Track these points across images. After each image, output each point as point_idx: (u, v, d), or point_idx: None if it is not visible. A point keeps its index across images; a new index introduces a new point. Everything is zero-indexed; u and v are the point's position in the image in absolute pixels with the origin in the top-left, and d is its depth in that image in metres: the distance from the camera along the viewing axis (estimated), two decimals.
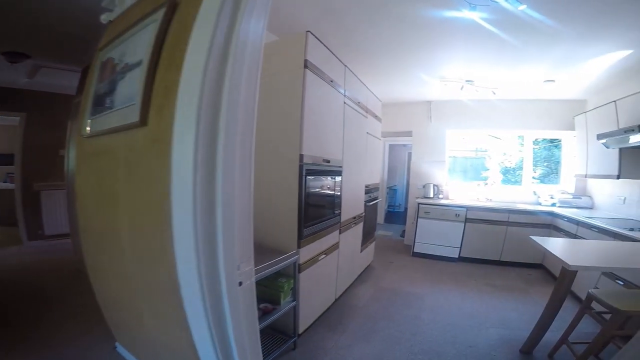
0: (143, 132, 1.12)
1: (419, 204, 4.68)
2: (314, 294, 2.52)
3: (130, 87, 1.35)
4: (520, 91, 4.40)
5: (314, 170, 2.32)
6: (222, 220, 0.85)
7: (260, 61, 1.02)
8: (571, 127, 4.54)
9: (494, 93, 4.26)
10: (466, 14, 2.34)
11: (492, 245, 4.38)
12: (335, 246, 2.79)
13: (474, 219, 4.42)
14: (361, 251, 3.61)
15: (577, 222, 3.47)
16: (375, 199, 3.97)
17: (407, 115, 5.41)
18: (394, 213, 8.56)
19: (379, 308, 3.01)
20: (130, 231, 1.27)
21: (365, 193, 3.53)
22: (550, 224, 4.14)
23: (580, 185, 4.62)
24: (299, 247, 2.20)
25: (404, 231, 5.79)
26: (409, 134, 5.46)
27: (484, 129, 5.14)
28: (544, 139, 5.28)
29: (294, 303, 2.15)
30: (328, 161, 2.49)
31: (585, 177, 4.01)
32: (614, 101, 3.39)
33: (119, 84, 1.54)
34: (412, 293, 3.40)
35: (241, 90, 0.93)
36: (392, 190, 8.77)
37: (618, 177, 3.35)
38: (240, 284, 1.09)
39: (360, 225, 3.45)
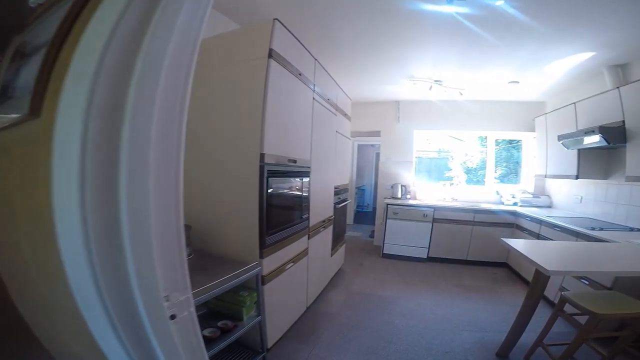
0: (33, 126, 0.83)
1: (387, 204, 4.58)
2: (282, 304, 2.29)
3: (30, 72, 1.04)
4: (486, 92, 4.44)
5: (278, 171, 2.06)
6: (131, 244, 0.59)
7: (195, 50, 0.78)
8: (531, 129, 4.65)
9: (461, 94, 4.27)
10: (444, 7, 2.24)
11: (459, 245, 4.38)
12: (304, 253, 2.56)
13: (441, 219, 4.39)
14: (332, 255, 3.41)
15: (540, 222, 3.51)
16: (345, 200, 3.79)
17: (375, 115, 5.31)
18: (362, 213, 8.50)
19: (353, 314, 2.86)
20: (28, 246, 0.97)
21: (335, 194, 3.34)
22: (513, 223, 4.20)
23: (539, 185, 4.78)
24: (261, 257, 1.94)
25: (373, 231, 5.70)
26: (377, 134, 5.36)
27: (450, 129, 5.16)
28: (503, 140, 5.43)
29: (259, 318, 1.90)
30: (294, 161, 2.25)
31: (545, 177, 4.11)
32: (574, 103, 3.46)
33: (23, 69, 1.22)
34: (385, 297, 3.29)
35: (160, 81, 0.67)
36: (360, 191, 8.71)
37: (577, 178, 3.43)
38: (173, 317, 0.84)
39: (330, 229, 3.25)
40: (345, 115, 3.73)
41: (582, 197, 3.81)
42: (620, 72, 3.15)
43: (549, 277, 1.93)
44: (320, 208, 2.89)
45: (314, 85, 2.63)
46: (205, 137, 2.09)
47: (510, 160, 5.60)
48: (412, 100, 5.07)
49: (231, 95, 2.04)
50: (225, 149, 2.03)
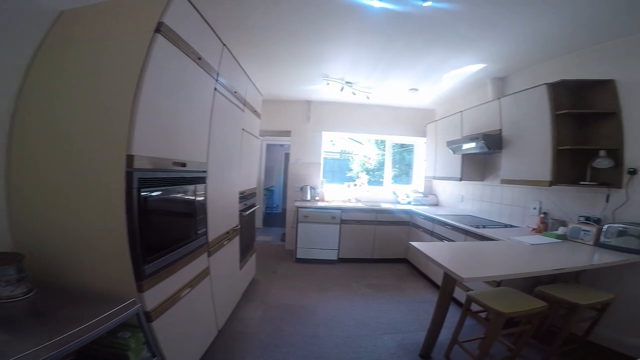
0: None
1: (298, 207, 4.36)
2: (185, 336, 1.79)
3: None
4: (388, 98, 4.59)
5: (158, 179, 1.53)
6: None
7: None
8: (423, 134, 5.06)
9: (368, 97, 4.35)
10: (374, 2, 2.12)
11: (365, 244, 4.43)
12: (204, 273, 2.05)
13: (348, 220, 4.38)
14: (241, 268, 2.97)
15: (433, 220, 3.78)
16: (253, 206, 3.41)
17: (286, 113, 5.01)
18: (272, 215, 8.16)
19: (273, 331, 2.56)
20: None
21: (241, 200, 2.92)
22: (409, 222, 4.46)
23: (428, 185, 5.28)
24: (140, 291, 1.42)
25: (284, 234, 5.44)
26: (287, 133, 5.10)
27: (355, 132, 5.28)
28: (396, 144, 5.87)
29: (157, 359, 1.43)
30: (183, 165, 1.77)
31: (434, 178, 4.52)
32: (461, 112, 3.79)
33: None
34: (304, 307, 3.05)
35: None
36: (269, 192, 8.36)
37: (460, 179, 3.83)
38: None
39: (237, 240, 2.82)
40: (254, 112, 3.33)
41: (463, 196, 4.32)
42: (500, 84, 3.55)
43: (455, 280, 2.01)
44: (222, 218, 2.44)
45: (218, 74, 2.15)
46: (63, 131, 1.48)
47: (402, 162, 6.12)
48: (323, 101, 4.96)
49: (98, 79, 1.48)
50: (86, 148, 1.40)
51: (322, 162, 5.14)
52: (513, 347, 1.97)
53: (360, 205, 4.65)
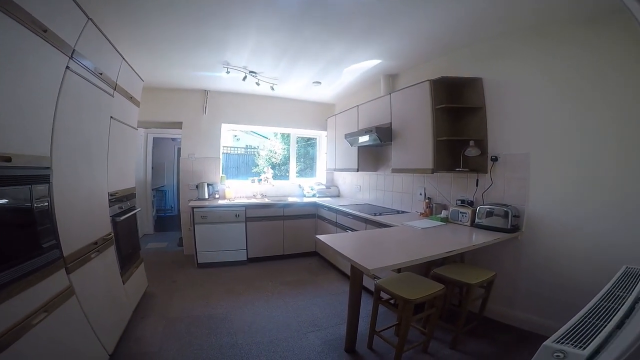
0: None
1: (193, 208, 3.82)
2: None
3: None
4: (293, 90, 4.44)
5: None
6: None
7: None
8: (324, 128, 5.16)
9: (273, 89, 4.07)
10: None
11: (274, 241, 4.22)
12: (65, 293, 1.49)
13: (255, 217, 4.08)
14: (125, 282, 2.38)
15: (336, 211, 3.82)
16: (132, 209, 2.77)
17: (177, 103, 4.31)
18: (166, 218, 7.10)
19: (182, 346, 2.18)
20: None
21: (112, 204, 2.30)
22: (315, 214, 4.44)
23: (329, 177, 5.38)
24: None
25: (181, 239, 4.74)
26: (177, 125, 4.44)
27: (258, 125, 4.93)
28: (302, 138, 5.85)
29: None
30: (8, 159, 1.24)
31: (334, 170, 4.60)
32: (357, 106, 3.91)
33: None
34: (215, 315, 2.67)
35: None
36: (160, 192, 7.25)
37: (357, 170, 3.97)
38: None
39: (111, 250, 2.19)
40: (131, 98, 2.66)
41: (360, 186, 4.52)
42: (392, 81, 3.76)
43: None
44: (84, 227, 1.82)
45: (74, 51, 1.63)
46: None
47: (306, 156, 6.14)
48: (221, 91, 4.46)
49: None
50: None
51: (221, 156, 4.65)
52: (425, 331, 2.07)
53: (266, 200, 4.39)
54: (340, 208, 3.74)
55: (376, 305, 2.11)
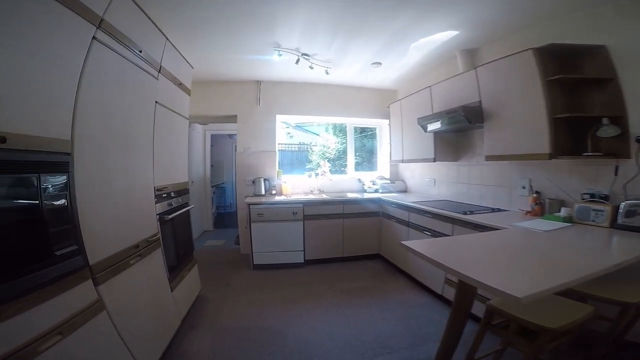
0: None
1: (249, 205, 3.52)
2: None
3: None
4: (349, 75, 3.93)
5: None
6: None
7: None
8: (385, 116, 4.55)
9: (327, 72, 3.59)
10: None
11: (333, 241, 3.74)
12: (92, 309, 1.23)
13: (313, 215, 3.64)
14: (174, 288, 2.10)
15: (408, 209, 3.18)
16: (184, 205, 2.53)
17: (231, 96, 4.07)
18: (225, 215, 7.12)
19: None
20: None
21: (160, 200, 2.03)
22: (379, 212, 3.86)
23: (394, 170, 4.73)
24: None
25: (238, 237, 4.57)
26: (233, 119, 4.21)
27: (312, 115, 4.48)
28: (356, 129, 5.23)
29: None
30: (2, 140, 0.94)
31: (402, 162, 3.95)
32: (429, 87, 3.26)
33: None
34: (268, 328, 2.32)
35: None
36: (220, 189, 7.32)
37: (434, 160, 3.29)
38: None
39: (158, 253, 1.95)
40: (180, 85, 2.39)
41: (435, 180, 3.82)
42: (471, 57, 3.05)
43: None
44: (120, 227, 1.52)
45: (102, 20, 1.34)
46: None
47: (362, 149, 5.54)
48: (274, 81, 4.12)
49: None
50: None
51: (277, 150, 4.31)
52: None
53: (324, 197, 3.94)
54: (415, 205, 3.10)
55: (483, 330, 1.48)
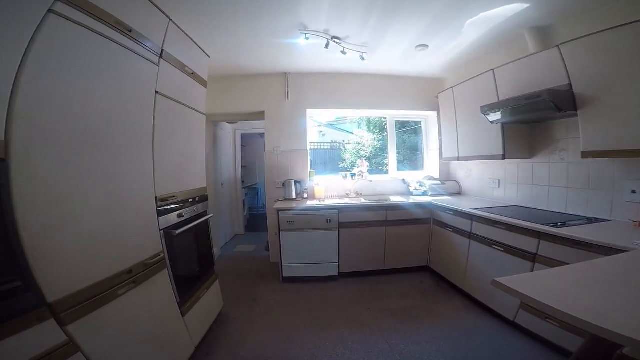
0: None
1: (278, 211, 3.11)
2: None
3: None
4: (388, 61, 3.38)
5: None
6: None
7: None
8: (432, 108, 3.96)
9: (363, 58, 3.08)
10: None
11: (373, 252, 3.22)
12: (58, 354, 0.93)
13: (349, 223, 3.15)
14: (186, 312, 1.77)
15: (470, 217, 2.58)
16: (201, 215, 2.19)
17: (257, 90, 3.72)
18: (258, 217, 6.87)
19: None
20: None
21: (168, 212, 1.70)
22: (430, 218, 3.26)
23: (444, 169, 4.07)
24: None
25: (268, 242, 4.24)
26: (260, 116, 3.86)
27: (347, 108, 3.96)
28: (395, 124, 4.65)
29: None
30: None
31: (457, 159, 3.31)
32: (492, 70, 2.63)
33: None
34: (297, 358, 1.94)
35: None
36: (252, 190, 7.10)
37: (503, 157, 2.64)
38: None
39: (163, 275, 1.62)
40: (192, 75, 2.04)
41: (499, 181, 3.14)
42: (543, 36, 2.44)
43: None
44: (101, 251, 1.19)
45: None
46: None
47: (402, 146, 4.93)
48: (303, 72, 3.69)
49: None
50: None
51: (308, 148, 3.89)
52: None
53: (363, 201, 3.44)
54: (483, 213, 2.48)
55: None
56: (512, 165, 2.91)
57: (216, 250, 4.07)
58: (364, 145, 5.81)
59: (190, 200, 1.98)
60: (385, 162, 4.47)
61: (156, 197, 1.57)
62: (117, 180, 1.32)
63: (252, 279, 3.34)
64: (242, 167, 6.18)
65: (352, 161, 5.16)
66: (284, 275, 3.17)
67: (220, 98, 3.67)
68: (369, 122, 5.62)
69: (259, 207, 7.29)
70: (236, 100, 3.72)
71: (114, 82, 1.31)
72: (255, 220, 6.46)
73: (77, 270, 1.09)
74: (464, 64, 3.42)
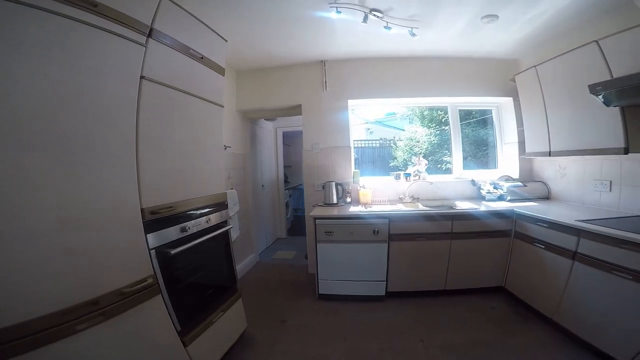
0: None
1: (315, 219, 2.65)
2: None
3: None
4: (446, 39, 2.74)
5: None
6: None
7: None
8: (505, 93, 3.17)
9: (414, 34, 2.48)
10: None
11: (432, 269, 2.60)
12: None
13: (402, 235, 2.56)
14: (190, 342, 1.44)
15: (578, 232, 1.84)
16: (219, 226, 1.84)
17: (292, 82, 3.32)
18: (302, 219, 6.57)
19: None
20: None
21: (161, 226, 1.34)
22: (510, 229, 2.52)
23: (525, 167, 3.22)
24: None
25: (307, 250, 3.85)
26: (297, 110, 3.42)
27: (396, 97, 3.32)
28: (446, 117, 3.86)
29: None
30: None
31: (549, 154, 2.51)
32: (595, 41, 1.91)
33: None
34: None
35: None
36: (297, 191, 6.78)
37: (626, 152, 1.87)
38: None
39: (156, 302, 1.26)
40: (201, 60, 1.69)
41: (611, 182, 2.27)
42: None
43: None
44: (43, 280, 0.89)
45: None
46: None
47: (464, 140, 4.10)
48: (341, 59, 3.19)
49: None
50: None
51: (352, 145, 3.37)
52: None
53: (421, 208, 2.83)
54: (598, 228, 1.73)
55: None
56: (631, 162, 2.05)
57: (253, 258, 3.80)
58: (417, 141, 5.09)
59: (200, 211, 1.63)
60: (444, 159, 3.76)
61: (142, 209, 1.23)
62: (74, 189, 0.99)
63: (286, 294, 2.95)
64: (287, 167, 5.91)
65: (404, 159, 4.53)
66: (320, 292, 2.71)
67: (253, 93, 3.38)
68: (422, 116, 4.92)
69: (304, 209, 6.95)
70: (270, 94, 3.38)
71: (66, 65, 0.99)
72: (300, 223, 6.12)
73: (10, 302, 0.78)
74: (545, 40, 2.68)
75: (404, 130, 5.48)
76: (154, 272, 1.28)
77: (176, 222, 1.45)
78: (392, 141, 5.66)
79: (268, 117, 3.92)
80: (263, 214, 4.38)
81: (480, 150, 3.95)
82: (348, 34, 2.58)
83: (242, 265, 3.44)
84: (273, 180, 4.95)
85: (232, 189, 3.16)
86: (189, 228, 1.52)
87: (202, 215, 1.65)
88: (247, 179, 3.73)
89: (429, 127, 4.80)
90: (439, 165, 4.10)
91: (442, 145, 4.34)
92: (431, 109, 4.33)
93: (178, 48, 1.51)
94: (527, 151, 2.84)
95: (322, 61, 3.26)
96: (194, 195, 1.59)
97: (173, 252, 1.36)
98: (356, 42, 2.79)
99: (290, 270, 3.62)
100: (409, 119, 5.48)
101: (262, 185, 4.47)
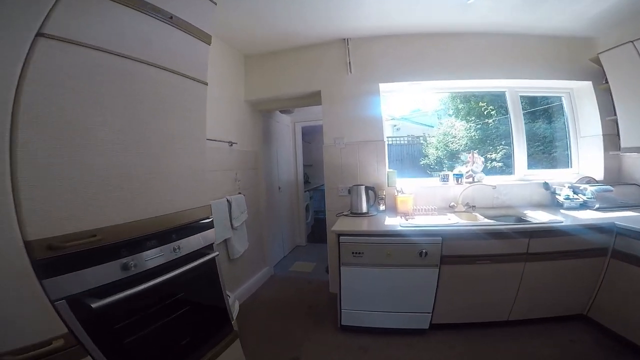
0: None
1: (338, 236, 2.02)
2: None
3: None
4: (500, 10, 2.11)
5: None
6: None
7: None
8: (579, 76, 2.46)
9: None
10: None
11: (495, 297, 1.94)
12: None
13: (458, 257, 1.90)
14: None
15: None
16: (198, 256, 1.30)
17: (310, 65, 2.73)
18: (324, 221, 5.97)
19: None
20: None
21: (83, 264, 0.84)
22: (606, 247, 1.81)
23: (612, 166, 2.46)
24: None
25: (328, 264, 3.25)
26: (316, 98, 2.81)
27: (440, 79, 2.62)
28: (504, 106, 3.06)
29: None
30: None
31: None
32: None
33: None
34: None
35: None
36: (319, 192, 6.19)
37: None
38: None
39: None
40: (170, 19, 1.15)
41: None
42: None
43: None
44: None
45: None
46: None
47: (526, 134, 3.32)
48: (367, 36, 2.57)
49: None
50: None
51: (385, 139, 2.72)
52: None
53: (483, 220, 2.14)
54: None
55: None
56: None
57: (266, 271, 3.28)
58: (454, 137, 4.35)
59: (158, 236, 1.09)
60: (490, 156, 3.06)
61: (28, 243, 0.70)
62: None
63: (301, 320, 2.39)
64: (307, 166, 5.35)
65: (437, 156, 3.89)
66: (342, 323, 2.12)
67: (264, 80, 2.86)
68: (457, 109, 4.22)
69: (323, 211, 6.35)
70: (284, 81, 2.82)
71: None
72: (321, 226, 5.50)
73: None
74: (629, 16, 2.02)
75: (432, 127, 4.88)
76: (70, 329, 0.76)
77: (113, 257, 0.92)
78: (421, 137, 5.02)
79: (283, 108, 3.36)
80: (279, 220, 3.86)
81: (544, 146, 3.16)
82: (376, 3, 2.02)
83: (252, 282, 2.93)
84: (291, 182, 4.41)
85: (239, 193, 2.66)
86: (136, 264, 0.98)
87: (162, 243, 1.10)
88: (260, 180, 3.21)
89: (467, 121, 4.09)
90: (485, 164, 3.39)
91: (484, 140, 3.75)
92: (468, 100, 3.65)
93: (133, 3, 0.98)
94: (623, 146, 2.13)
95: (344, 39, 2.65)
96: (147, 214, 1.05)
97: (95, 305, 0.82)
98: (389, 11, 2.17)
99: (308, 288, 3.06)
100: (438, 114, 4.82)
101: (279, 188, 3.94)
